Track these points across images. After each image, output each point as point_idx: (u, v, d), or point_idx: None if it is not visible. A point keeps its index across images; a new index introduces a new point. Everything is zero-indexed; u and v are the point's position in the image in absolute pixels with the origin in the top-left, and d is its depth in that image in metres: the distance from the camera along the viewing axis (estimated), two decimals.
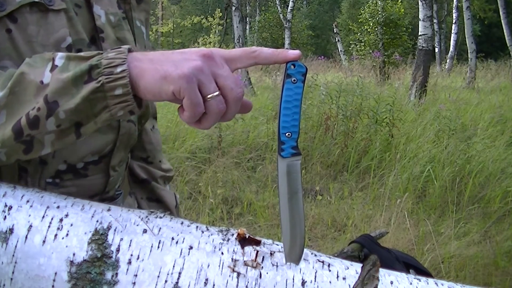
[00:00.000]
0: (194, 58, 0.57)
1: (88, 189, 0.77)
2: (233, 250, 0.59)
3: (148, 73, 0.57)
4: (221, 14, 19.13)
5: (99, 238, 0.58)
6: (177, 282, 0.56)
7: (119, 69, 0.57)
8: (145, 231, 0.59)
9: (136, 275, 0.56)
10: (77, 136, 0.61)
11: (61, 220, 0.59)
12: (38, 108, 0.57)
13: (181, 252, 0.58)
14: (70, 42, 0.70)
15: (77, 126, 0.59)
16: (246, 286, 0.57)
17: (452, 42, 14.62)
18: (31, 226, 0.58)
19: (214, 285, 0.57)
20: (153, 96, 0.57)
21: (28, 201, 0.61)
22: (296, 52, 0.60)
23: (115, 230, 0.59)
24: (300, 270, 0.60)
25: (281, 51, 0.60)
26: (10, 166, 0.69)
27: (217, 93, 0.57)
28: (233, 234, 0.62)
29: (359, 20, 15.39)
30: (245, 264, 0.58)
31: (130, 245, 0.58)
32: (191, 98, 0.56)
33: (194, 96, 0.56)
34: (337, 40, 17.56)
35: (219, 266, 0.58)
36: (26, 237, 0.58)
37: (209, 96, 0.56)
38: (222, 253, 0.59)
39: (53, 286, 0.57)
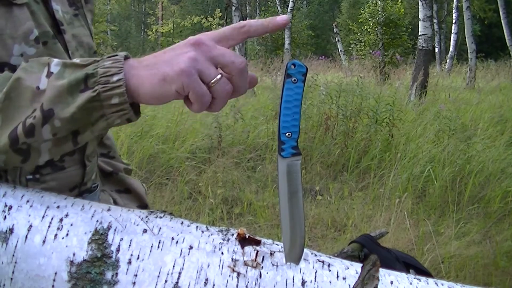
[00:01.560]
0: (186, 50, 0.57)
1: (67, 181, 0.77)
2: (233, 250, 0.59)
3: (147, 79, 0.57)
4: (221, 14, 19.12)
5: (99, 238, 0.58)
6: (177, 282, 0.56)
7: (115, 78, 0.56)
8: (145, 231, 0.59)
9: (136, 275, 0.56)
10: (74, 144, 0.60)
11: (61, 220, 0.59)
12: (34, 116, 0.57)
13: (181, 252, 0.58)
14: (37, 35, 0.70)
15: (74, 134, 0.59)
16: (246, 286, 0.57)
17: (452, 42, 14.61)
18: (31, 226, 0.58)
19: (214, 285, 0.57)
20: (157, 100, 0.57)
21: (28, 201, 0.61)
22: (285, 17, 0.60)
23: (115, 230, 0.59)
24: (300, 270, 0.60)
25: (270, 20, 0.60)
26: None
27: (219, 76, 0.56)
28: (233, 234, 0.62)
29: (359, 20, 15.39)
30: (245, 264, 0.58)
31: (130, 245, 0.58)
32: (196, 90, 0.55)
33: (198, 87, 0.55)
34: (337, 40, 17.56)
35: (219, 266, 0.58)
36: (26, 237, 0.58)
37: (212, 82, 0.56)
38: (222, 253, 0.59)
39: (53, 286, 0.57)
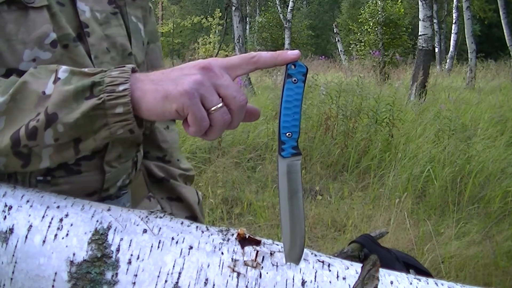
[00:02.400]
0: (193, 72, 0.57)
1: (83, 186, 0.75)
2: (233, 250, 0.59)
3: (150, 94, 0.57)
4: (221, 14, 19.11)
5: (99, 238, 0.58)
6: (177, 282, 0.56)
7: (121, 88, 0.57)
8: (145, 231, 0.59)
9: (136, 275, 0.56)
10: (75, 152, 0.60)
11: (61, 220, 0.59)
12: (38, 119, 0.57)
13: (181, 252, 0.58)
14: (55, 38, 0.69)
15: (76, 142, 0.59)
16: (246, 286, 0.57)
17: (452, 42, 14.61)
18: (31, 226, 0.58)
19: (214, 285, 0.57)
20: (156, 117, 0.57)
21: (28, 201, 0.61)
22: (295, 52, 0.60)
23: (115, 230, 0.59)
24: (300, 270, 0.60)
25: (280, 53, 0.60)
26: None
27: (220, 104, 0.56)
28: (233, 234, 0.62)
29: (359, 20, 15.40)
30: (245, 264, 0.58)
31: (130, 245, 0.58)
32: (195, 114, 0.55)
33: (198, 111, 0.55)
34: (337, 40, 17.56)
35: (219, 266, 0.58)
36: (26, 237, 0.58)
37: (212, 109, 0.56)
38: (222, 253, 0.59)
39: (53, 286, 0.56)
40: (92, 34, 0.75)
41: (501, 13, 12.22)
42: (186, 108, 0.55)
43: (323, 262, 0.62)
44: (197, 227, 0.63)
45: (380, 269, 0.60)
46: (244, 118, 0.60)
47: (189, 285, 0.56)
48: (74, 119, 0.57)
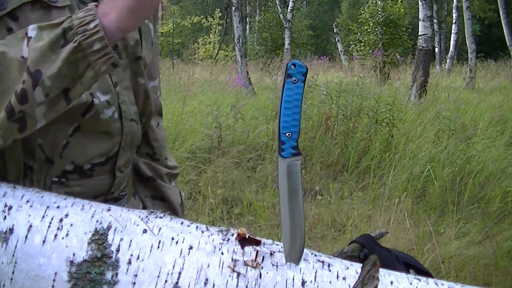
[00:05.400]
0: None
1: (93, 189, 0.77)
2: (233, 250, 0.59)
3: (123, 2, 0.59)
4: (221, 14, 19.12)
5: (99, 238, 0.58)
6: (177, 282, 0.56)
7: (92, 25, 0.58)
8: (145, 231, 0.59)
9: (136, 275, 0.56)
10: (67, 102, 0.61)
11: (61, 220, 0.59)
12: (23, 81, 0.58)
13: (181, 252, 0.58)
14: None
15: (65, 92, 0.60)
16: (246, 286, 0.57)
17: (452, 42, 14.60)
18: (31, 226, 0.58)
19: (214, 285, 0.57)
20: (143, 14, 0.60)
21: (28, 201, 0.61)
22: None
23: (115, 230, 0.59)
24: (300, 270, 0.60)
25: None
26: (16, 164, 0.70)
27: None
28: (233, 234, 0.62)
29: (359, 20, 15.37)
30: (245, 264, 0.58)
31: (130, 245, 0.58)
32: None
33: None
34: (337, 40, 17.55)
35: (219, 266, 0.58)
36: (26, 237, 0.58)
37: None
38: (222, 253, 0.59)
39: (53, 286, 0.56)
40: None
41: (501, 13, 12.22)
42: None
43: (323, 262, 0.62)
44: (197, 227, 0.63)
45: (380, 269, 0.60)
46: None
47: (189, 285, 0.56)
48: (58, 68, 0.58)
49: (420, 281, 0.65)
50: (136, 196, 0.95)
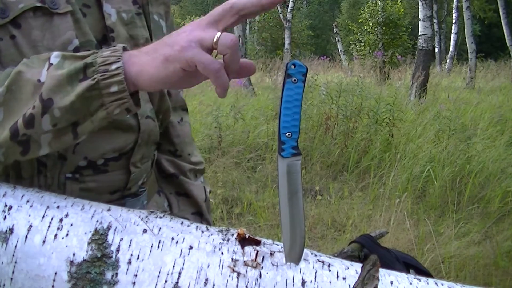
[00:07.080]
0: (183, 31, 0.57)
1: (108, 185, 0.77)
2: (233, 250, 0.59)
3: (149, 64, 0.57)
4: None
5: (99, 238, 0.58)
6: (177, 282, 0.56)
7: (114, 66, 0.57)
8: (145, 231, 0.59)
9: (136, 275, 0.56)
10: (74, 136, 0.60)
11: (61, 220, 0.59)
12: (34, 106, 0.57)
13: (181, 252, 0.58)
14: (77, 44, 0.69)
15: (74, 125, 0.59)
16: (246, 286, 0.57)
17: (452, 42, 14.60)
18: (31, 226, 0.58)
19: (214, 285, 0.57)
20: (163, 83, 0.57)
21: (28, 201, 0.61)
22: None
23: (115, 230, 0.59)
24: (300, 270, 0.60)
25: None
26: (29, 161, 0.69)
27: (218, 33, 0.54)
28: (233, 234, 0.62)
29: (359, 20, 15.38)
30: (245, 264, 0.58)
31: (130, 245, 0.58)
32: (201, 60, 0.54)
33: (203, 56, 0.54)
34: (337, 40, 17.55)
35: (219, 266, 0.58)
36: (26, 237, 0.58)
37: (214, 40, 0.54)
38: (222, 253, 0.59)
39: (53, 286, 0.56)
40: (117, 38, 0.75)
41: (501, 13, 12.22)
42: (191, 60, 0.54)
43: (323, 262, 0.62)
44: (197, 227, 0.63)
45: (380, 269, 0.60)
46: (240, 72, 0.58)
47: (189, 285, 0.56)
48: (70, 102, 0.57)
49: (420, 281, 0.65)
50: (161, 193, 0.95)
